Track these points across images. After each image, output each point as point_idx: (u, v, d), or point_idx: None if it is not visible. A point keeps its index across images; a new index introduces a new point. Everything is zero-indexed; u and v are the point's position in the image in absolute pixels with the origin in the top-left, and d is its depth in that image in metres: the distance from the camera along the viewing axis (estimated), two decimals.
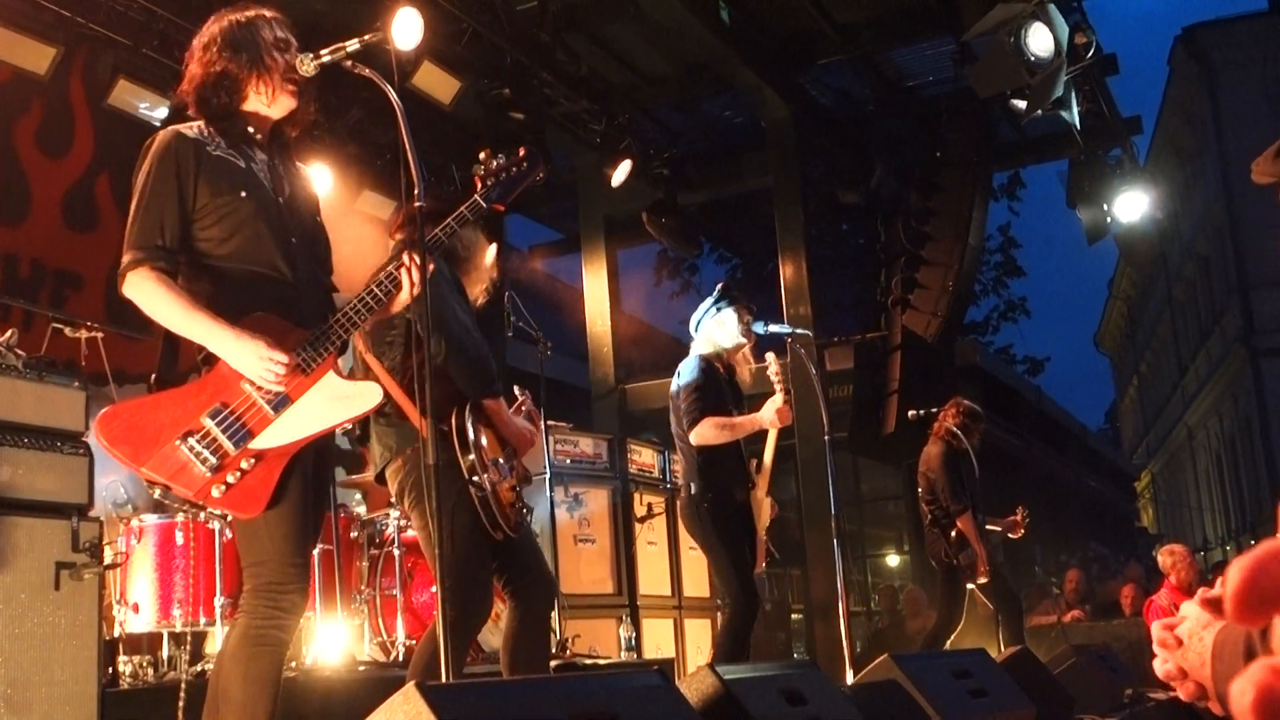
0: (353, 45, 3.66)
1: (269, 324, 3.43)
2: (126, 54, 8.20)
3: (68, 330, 6.02)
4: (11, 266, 7.82)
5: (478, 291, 4.67)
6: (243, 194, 3.51)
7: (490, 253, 4.73)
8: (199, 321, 3.38)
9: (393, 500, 6.11)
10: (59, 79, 7.92)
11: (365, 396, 3.56)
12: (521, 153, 4.07)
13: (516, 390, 4.84)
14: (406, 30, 7.60)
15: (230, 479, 3.33)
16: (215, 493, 3.33)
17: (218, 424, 3.35)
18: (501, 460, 4.30)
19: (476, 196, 3.95)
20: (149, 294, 3.40)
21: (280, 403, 3.42)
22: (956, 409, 8.56)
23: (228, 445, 3.34)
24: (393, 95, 3.67)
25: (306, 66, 3.66)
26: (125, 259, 3.42)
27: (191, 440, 3.32)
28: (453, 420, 4.17)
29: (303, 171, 3.86)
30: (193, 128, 3.57)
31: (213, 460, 3.32)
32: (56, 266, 7.95)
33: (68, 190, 8.31)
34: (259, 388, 3.40)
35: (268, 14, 3.69)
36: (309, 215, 3.76)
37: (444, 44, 8.99)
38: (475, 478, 4.12)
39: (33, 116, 8.17)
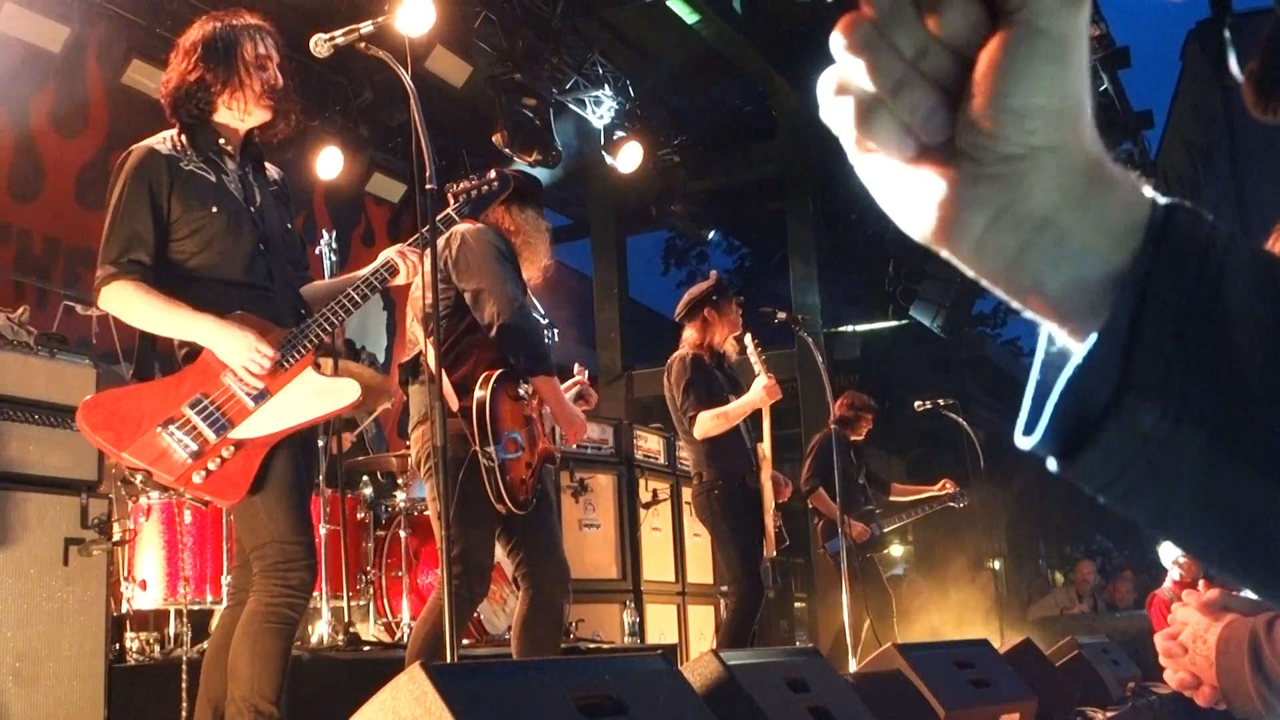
0: (366, 27, 3.70)
1: (250, 322, 3.53)
2: (140, 33, 8.21)
3: (79, 308, 6.05)
4: (25, 243, 7.85)
5: (532, 273, 4.73)
6: (214, 209, 3.61)
7: (547, 240, 4.82)
8: (185, 317, 3.46)
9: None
10: (73, 58, 7.94)
11: (343, 393, 3.67)
12: (491, 174, 4.25)
13: (576, 367, 4.94)
14: (418, 14, 7.59)
15: (211, 465, 3.42)
16: (196, 478, 3.40)
17: (198, 413, 3.44)
18: (520, 435, 4.33)
19: (450, 211, 4.06)
20: (130, 301, 3.48)
21: (259, 395, 3.51)
22: (845, 400, 8.71)
23: (208, 433, 3.42)
24: (406, 78, 3.70)
25: (320, 48, 3.72)
26: (100, 274, 3.49)
27: (172, 428, 3.41)
28: (474, 391, 4.21)
29: (275, 178, 3.94)
30: (165, 142, 3.65)
31: (193, 447, 3.40)
32: (70, 244, 7.98)
33: (81, 168, 8.33)
34: (239, 380, 3.46)
35: (255, 23, 3.75)
36: (280, 222, 3.85)
37: (456, 27, 8.99)
38: (487, 448, 4.16)
39: (47, 95, 8.19)
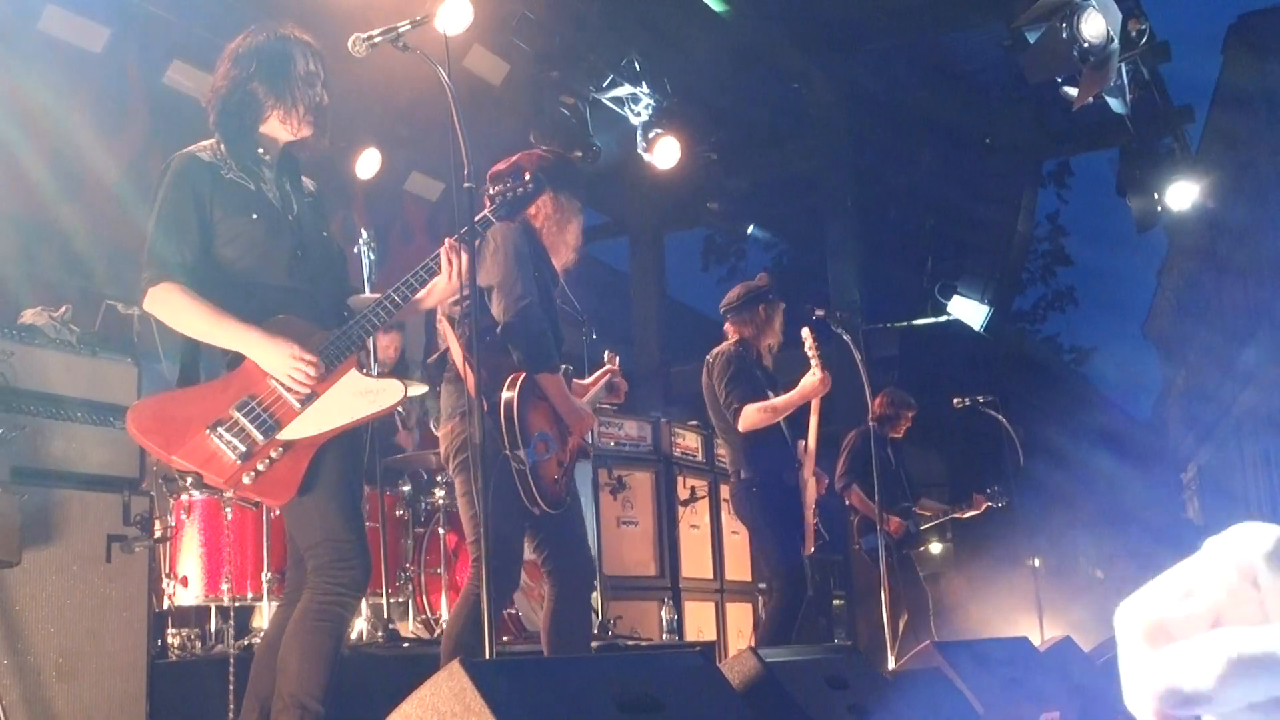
0: (404, 26, 3.72)
1: (293, 325, 3.56)
2: (180, 34, 8.26)
3: (121, 306, 6.10)
4: (67, 242, 7.91)
5: (564, 255, 4.75)
6: (254, 216, 3.65)
7: (578, 226, 4.84)
8: (227, 327, 3.49)
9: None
10: (114, 58, 7.99)
11: (387, 393, 3.69)
12: (526, 176, 4.26)
13: (606, 355, 4.97)
14: (456, 14, 7.61)
15: (260, 467, 3.45)
16: (246, 480, 3.43)
17: (246, 415, 3.46)
18: (550, 434, 4.34)
19: (486, 213, 4.07)
20: (174, 305, 3.51)
21: (306, 396, 3.53)
22: (884, 398, 8.68)
23: (256, 435, 3.44)
24: (444, 77, 3.72)
25: (358, 48, 3.73)
26: (145, 276, 3.53)
27: (221, 429, 3.42)
28: (501, 392, 4.22)
29: (310, 190, 3.97)
30: (206, 149, 3.69)
31: (242, 448, 3.42)
32: (111, 243, 8.02)
33: (123, 168, 8.39)
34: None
35: (306, 39, 3.78)
36: (318, 231, 3.88)
37: (494, 25, 9.00)
38: (517, 450, 4.17)
39: (88, 95, 8.25)
